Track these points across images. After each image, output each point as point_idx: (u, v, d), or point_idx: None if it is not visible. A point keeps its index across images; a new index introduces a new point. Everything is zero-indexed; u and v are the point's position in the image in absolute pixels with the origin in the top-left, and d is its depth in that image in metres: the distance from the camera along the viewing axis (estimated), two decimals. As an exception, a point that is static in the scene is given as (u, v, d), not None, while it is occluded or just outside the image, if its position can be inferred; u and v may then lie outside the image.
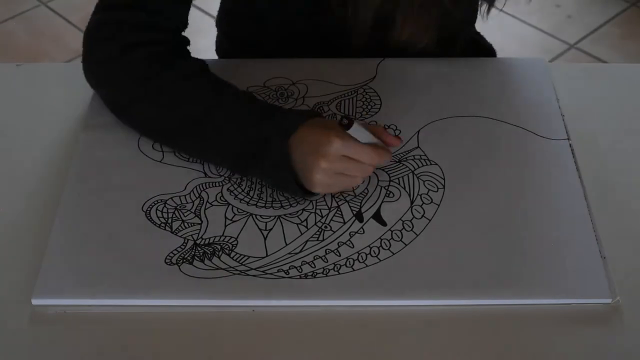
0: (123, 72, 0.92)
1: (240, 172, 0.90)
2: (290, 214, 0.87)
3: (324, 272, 0.82)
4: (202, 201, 0.89)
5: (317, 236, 0.85)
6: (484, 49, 1.21)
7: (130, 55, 0.92)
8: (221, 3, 1.16)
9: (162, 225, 0.86)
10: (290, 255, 0.83)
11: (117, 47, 0.92)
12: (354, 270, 0.82)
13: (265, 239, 0.85)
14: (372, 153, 0.84)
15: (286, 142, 0.84)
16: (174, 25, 0.98)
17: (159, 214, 0.87)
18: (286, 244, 0.84)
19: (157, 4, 0.95)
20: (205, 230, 0.86)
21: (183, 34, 0.99)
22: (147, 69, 0.91)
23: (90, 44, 0.95)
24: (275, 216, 0.87)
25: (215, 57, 1.24)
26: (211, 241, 0.85)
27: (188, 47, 0.99)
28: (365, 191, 0.90)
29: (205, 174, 0.92)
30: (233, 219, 0.87)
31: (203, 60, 0.97)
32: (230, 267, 0.82)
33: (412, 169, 0.93)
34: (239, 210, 0.88)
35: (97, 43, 0.95)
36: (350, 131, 0.84)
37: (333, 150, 0.82)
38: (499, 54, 1.23)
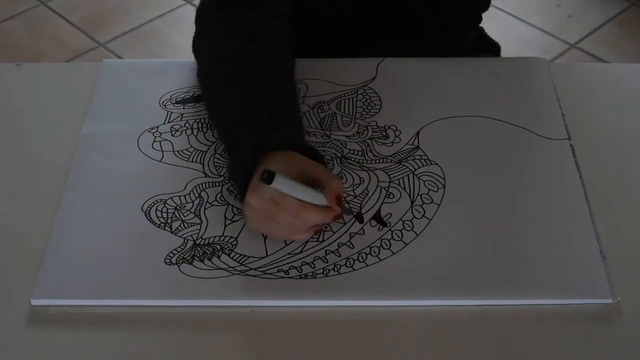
0: (224, 22, 0.99)
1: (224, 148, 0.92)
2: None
3: (324, 273, 0.82)
4: (201, 201, 0.89)
5: (317, 236, 0.85)
6: (490, 44, 1.22)
7: (238, 10, 0.98)
8: None
9: (162, 225, 0.86)
10: (290, 256, 0.83)
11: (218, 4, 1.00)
12: (354, 270, 0.82)
13: (265, 239, 0.85)
14: (296, 207, 0.79)
15: (251, 154, 0.83)
16: (279, 8, 1.01)
17: (159, 213, 0.87)
18: (286, 244, 0.84)
19: None
20: (205, 230, 0.86)
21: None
22: (243, 28, 0.97)
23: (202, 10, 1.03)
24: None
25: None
26: (211, 241, 0.85)
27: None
28: (366, 192, 0.90)
29: (205, 174, 0.92)
30: (233, 219, 0.87)
31: (291, 46, 1.00)
32: (230, 267, 0.82)
33: (413, 169, 0.92)
34: (238, 210, 0.88)
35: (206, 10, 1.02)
36: (274, 185, 0.77)
37: (261, 190, 0.79)
38: (500, 54, 1.23)
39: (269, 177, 0.76)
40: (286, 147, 0.84)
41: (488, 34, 1.25)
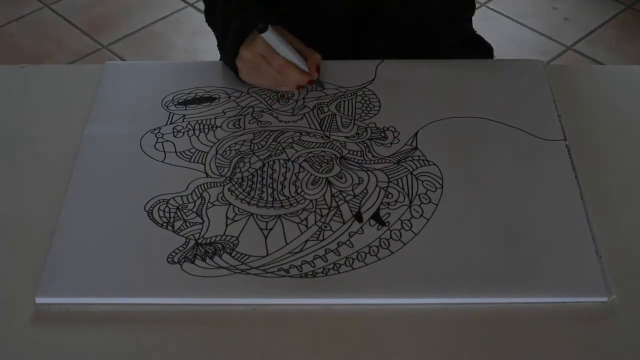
0: None
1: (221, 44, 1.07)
2: (290, 213, 0.88)
3: (324, 272, 0.83)
4: (203, 201, 0.90)
5: (317, 236, 0.86)
6: (482, 45, 1.22)
7: None
8: None
9: (164, 224, 0.87)
10: (290, 255, 0.84)
11: None
12: (353, 269, 0.83)
13: (265, 238, 0.86)
14: (280, 63, 0.98)
15: (237, 33, 1.01)
16: None
17: (161, 213, 0.88)
18: (286, 244, 0.85)
19: None
20: (207, 230, 0.87)
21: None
22: None
23: None
24: (275, 216, 0.88)
25: (217, 57, 1.24)
26: (212, 240, 0.86)
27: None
28: (365, 192, 0.91)
29: (206, 174, 0.93)
30: (234, 219, 0.88)
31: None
32: (232, 266, 0.83)
33: (411, 170, 0.94)
34: (239, 210, 0.89)
35: None
36: (265, 36, 0.97)
37: (253, 45, 0.99)
38: (497, 56, 1.24)
39: (263, 27, 0.96)
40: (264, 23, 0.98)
41: (484, 36, 1.26)
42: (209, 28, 1.19)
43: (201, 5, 1.17)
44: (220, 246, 0.85)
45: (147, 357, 0.77)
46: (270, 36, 0.98)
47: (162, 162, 0.94)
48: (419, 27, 1.11)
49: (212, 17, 1.13)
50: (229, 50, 1.02)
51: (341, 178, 0.93)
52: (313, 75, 1.01)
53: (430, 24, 1.12)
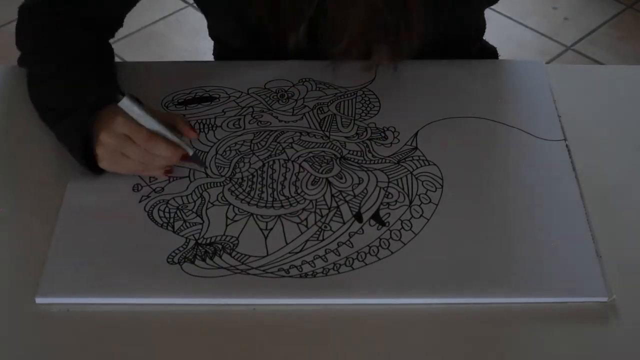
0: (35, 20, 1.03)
1: (48, 126, 0.95)
2: (290, 213, 0.88)
3: (324, 272, 0.83)
4: (203, 201, 0.90)
5: (317, 236, 0.86)
6: (488, 51, 1.22)
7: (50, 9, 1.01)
8: (208, 22, 1.17)
9: (164, 225, 0.87)
10: (290, 255, 0.84)
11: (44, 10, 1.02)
12: (353, 269, 0.83)
13: (265, 238, 0.86)
14: (145, 136, 0.86)
15: (87, 113, 0.89)
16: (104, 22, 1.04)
17: (161, 213, 0.88)
18: (286, 244, 0.85)
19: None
20: (207, 230, 0.87)
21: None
22: (51, 22, 1.00)
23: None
24: (275, 216, 0.88)
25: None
26: (212, 241, 0.86)
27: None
28: (365, 192, 0.91)
29: (206, 174, 0.93)
30: (234, 219, 0.88)
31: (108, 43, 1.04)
32: (232, 266, 0.83)
33: (411, 170, 0.94)
34: (239, 210, 0.89)
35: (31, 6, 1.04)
36: (123, 105, 0.85)
37: (114, 126, 0.85)
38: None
39: (123, 98, 0.84)
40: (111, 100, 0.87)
41: (485, 35, 1.26)
42: (208, 28, 1.18)
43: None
44: (220, 246, 0.85)
45: (147, 357, 0.77)
46: (129, 105, 0.85)
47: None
48: (428, 55, 1.09)
49: (36, 89, 0.99)
50: (80, 132, 0.88)
51: (341, 178, 0.93)
52: (189, 135, 0.89)
53: (440, 48, 1.11)
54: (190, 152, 0.89)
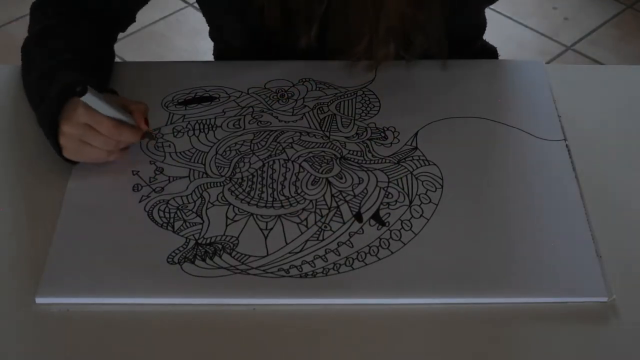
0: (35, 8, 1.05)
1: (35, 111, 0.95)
2: (290, 213, 0.88)
3: (324, 272, 0.83)
4: (203, 201, 0.90)
5: (317, 236, 0.86)
6: (488, 51, 1.22)
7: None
8: (209, 23, 1.16)
9: (164, 225, 0.87)
10: (290, 255, 0.84)
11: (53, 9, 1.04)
12: (353, 269, 0.83)
13: (265, 238, 0.86)
14: (110, 125, 0.87)
15: (56, 101, 0.89)
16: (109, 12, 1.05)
17: (161, 213, 0.88)
18: (286, 244, 0.85)
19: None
20: (207, 230, 0.87)
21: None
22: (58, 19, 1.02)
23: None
24: (275, 216, 0.88)
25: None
26: (212, 240, 0.86)
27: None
28: (365, 192, 0.91)
29: (206, 174, 0.93)
30: (234, 219, 0.88)
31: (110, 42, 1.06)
32: (232, 266, 0.83)
33: (411, 170, 0.94)
34: (239, 210, 0.89)
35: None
36: (85, 99, 0.85)
37: (75, 116, 0.86)
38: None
39: (82, 90, 0.84)
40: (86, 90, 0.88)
41: (486, 35, 1.26)
42: (209, 28, 1.18)
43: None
44: (220, 246, 0.85)
45: (147, 357, 0.77)
46: (91, 99, 0.86)
47: (163, 162, 0.94)
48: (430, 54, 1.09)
49: (27, 77, 1.01)
50: (49, 122, 0.89)
51: (341, 178, 0.93)
52: (142, 128, 0.91)
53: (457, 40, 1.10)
54: (145, 128, 0.92)
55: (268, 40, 1.05)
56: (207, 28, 1.18)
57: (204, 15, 1.13)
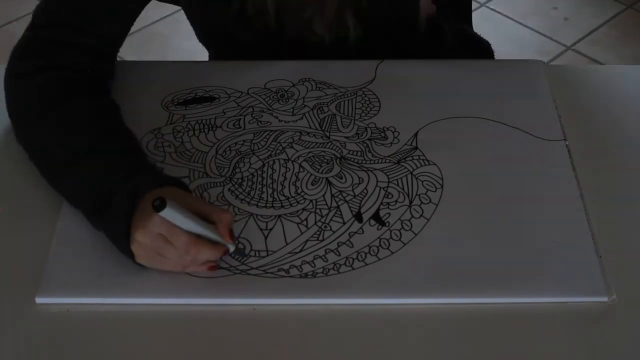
0: (30, 91, 0.93)
1: (87, 218, 0.86)
2: (290, 213, 0.88)
3: (324, 272, 0.83)
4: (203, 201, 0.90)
5: (317, 236, 0.86)
6: (481, 45, 1.22)
7: (41, 76, 0.92)
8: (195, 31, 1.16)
9: (164, 225, 0.87)
10: (290, 255, 0.84)
11: (32, 66, 0.93)
12: (353, 269, 0.83)
13: (265, 238, 0.86)
14: (186, 242, 0.78)
15: (127, 202, 0.81)
16: (102, 47, 0.98)
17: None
18: (286, 244, 0.85)
19: (87, 23, 0.95)
20: (207, 230, 0.87)
21: (116, 54, 0.99)
22: (53, 94, 0.92)
23: (12, 60, 0.96)
24: (275, 216, 0.88)
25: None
26: (213, 241, 0.86)
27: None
28: (365, 192, 0.91)
29: (206, 174, 0.93)
30: (234, 219, 0.88)
31: (112, 100, 0.96)
32: (232, 266, 0.83)
33: (411, 170, 0.94)
34: (240, 210, 0.89)
35: (17, 59, 0.95)
36: (164, 214, 0.76)
37: (150, 225, 0.77)
38: (497, 56, 1.24)
39: (160, 205, 0.74)
40: (152, 187, 0.81)
41: (485, 35, 1.26)
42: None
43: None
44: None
45: (147, 357, 0.77)
46: (170, 213, 0.76)
47: (162, 162, 0.94)
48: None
49: (52, 173, 0.89)
50: (120, 227, 0.80)
51: (341, 178, 0.93)
52: (227, 243, 0.82)
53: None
54: (232, 248, 0.83)
55: (278, 37, 1.04)
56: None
57: (192, 23, 1.11)
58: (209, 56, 1.22)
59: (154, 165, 0.89)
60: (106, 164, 0.85)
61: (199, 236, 0.79)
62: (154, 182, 0.83)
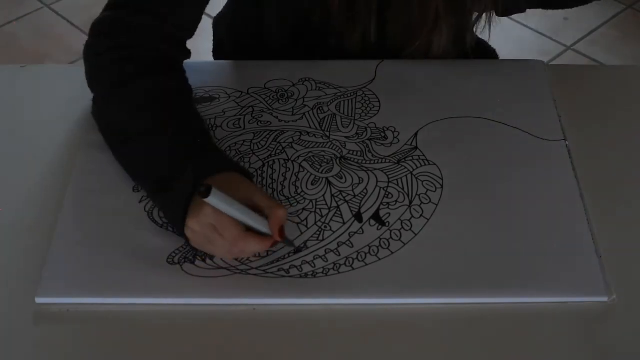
0: (103, 68, 0.95)
1: (149, 196, 0.89)
2: (290, 213, 0.88)
3: (324, 272, 0.83)
4: (203, 201, 0.90)
5: (317, 236, 0.86)
6: (488, 52, 1.22)
7: (114, 55, 0.94)
8: (226, 5, 1.16)
9: (165, 225, 0.87)
10: (290, 255, 0.84)
11: (108, 45, 0.94)
12: (353, 269, 0.83)
13: (266, 238, 0.86)
14: (235, 234, 0.79)
15: (186, 187, 0.81)
16: (179, 34, 0.99)
17: (162, 214, 0.88)
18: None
19: (167, 8, 0.96)
20: (207, 230, 0.87)
21: (188, 42, 1.00)
22: (124, 72, 0.93)
23: (91, 37, 0.97)
24: (275, 216, 0.88)
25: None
26: (213, 241, 0.86)
27: (185, 60, 1.00)
28: (365, 192, 0.91)
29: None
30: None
31: (186, 80, 0.97)
32: (232, 266, 0.83)
33: (411, 170, 0.94)
34: (240, 210, 0.89)
35: (95, 37, 0.97)
36: (210, 201, 0.76)
37: (201, 215, 0.79)
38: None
39: (206, 191, 0.75)
40: (213, 173, 0.82)
41: (484, 35, 1.25)
42: (208, 28, 1.17)
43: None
44: (220, 246, 0.85)
45: (147, 357, 0.77)
46: (215, 201, 0.77)
47: (162, 162, 0.94)
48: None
49: (125, 148, 0.90)
50: (177, 211, 0.82)
51: (341, 178, 0.93)
52: (276, 239, 0.82)
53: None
54: (279, 241, 0.83)
55: (310, 41, 1.04)
56: (207, 28, 1.17)
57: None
58: (214, 49, 1.21)
59: (218, 149, 0.89)
60: (170, 144, 0.87)
61: (250, 226, 0.80)
62: (216, 165, 0.84)
